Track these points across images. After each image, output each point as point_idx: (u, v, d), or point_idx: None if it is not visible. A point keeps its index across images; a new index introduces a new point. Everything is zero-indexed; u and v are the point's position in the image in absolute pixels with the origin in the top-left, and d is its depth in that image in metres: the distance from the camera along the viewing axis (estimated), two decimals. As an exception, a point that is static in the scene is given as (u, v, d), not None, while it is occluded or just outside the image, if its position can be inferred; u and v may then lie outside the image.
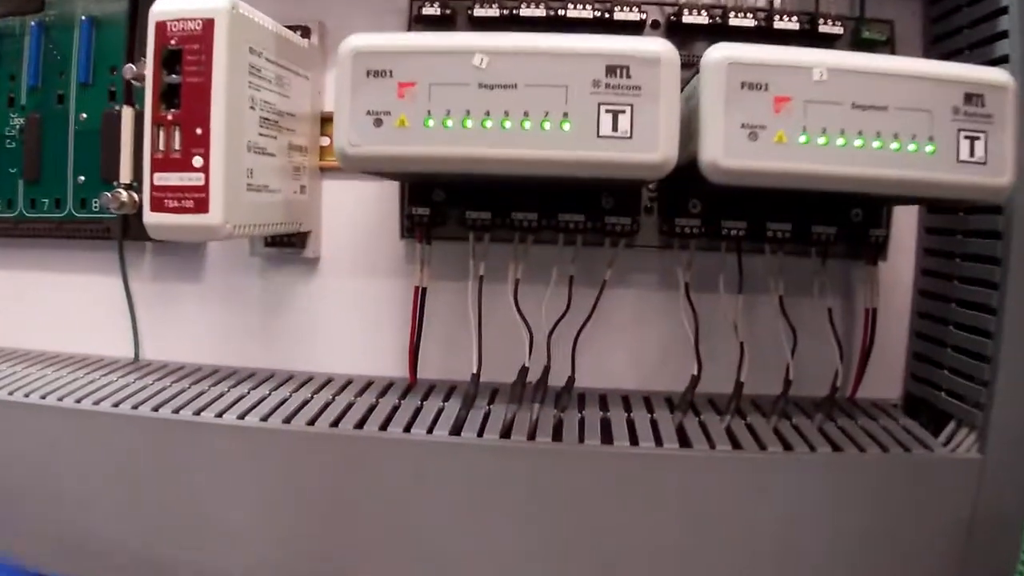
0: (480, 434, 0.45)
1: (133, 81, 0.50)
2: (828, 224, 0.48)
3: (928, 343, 0.51)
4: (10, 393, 0.49)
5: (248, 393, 0.50)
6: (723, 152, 0.37)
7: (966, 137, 0.38)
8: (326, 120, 0.52)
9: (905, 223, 0.52)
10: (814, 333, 0.49)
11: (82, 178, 0.55)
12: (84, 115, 0.55)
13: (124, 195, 0.51)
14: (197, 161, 0.41)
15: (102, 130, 0.54)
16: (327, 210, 0.54)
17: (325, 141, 0.53)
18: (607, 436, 0.45)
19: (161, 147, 0.42)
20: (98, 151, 0.54)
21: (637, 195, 0.49)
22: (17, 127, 0.56)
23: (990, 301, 0.45)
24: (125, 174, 0.52)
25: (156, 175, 0.42)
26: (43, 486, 0.48)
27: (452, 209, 0.50)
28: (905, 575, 0.45)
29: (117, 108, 0.53)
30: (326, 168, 0.53)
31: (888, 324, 0.51)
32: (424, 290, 0.50)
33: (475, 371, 0.48)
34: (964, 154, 0.38)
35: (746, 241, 0.49)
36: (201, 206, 0.41)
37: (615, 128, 0.37)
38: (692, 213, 0.49)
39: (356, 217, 0.53)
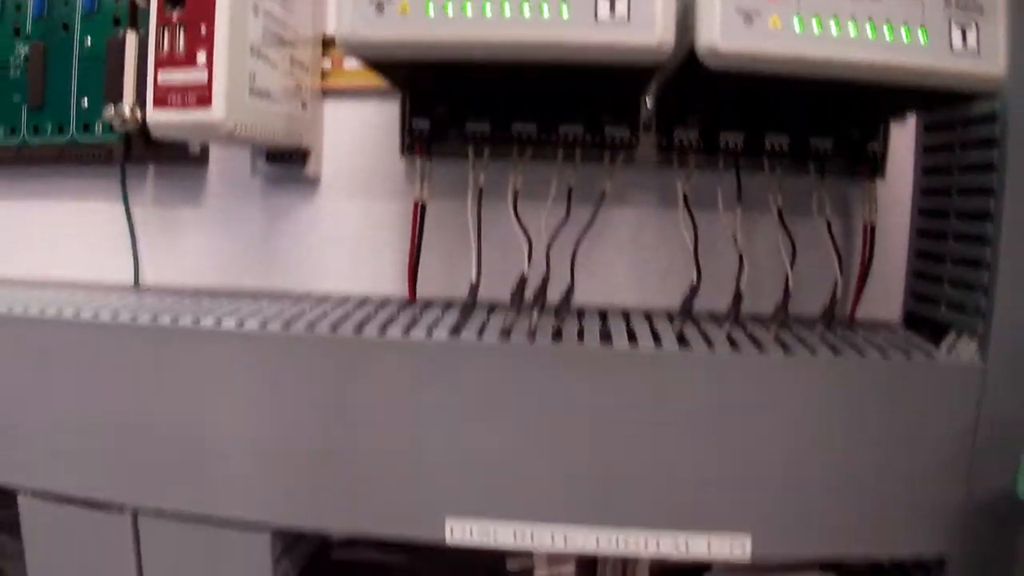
0: (479, 337, 0.46)
1: (137, 1, 0.51)
2: (825, 136, 0.49)
3: (928, 260, 0.52)
4: (8, 308, 0.50)
5: (247, 309, 0.51)
6: (720, 35, 0.38)
7: (958, 26, 0.40)
8: (328, 43, 0.54)
9: (903, 144, 0.53)
10: (813, 251, 0.50)
11: (86, 100, 0.56)
12: (89, 42, 0.56)
13: (127, 110, 0.52)
14: (201, 58, 0.43)
15: (107, 55, 0.55)
16: (328, 132, 0.55)
17: (327, 64, 0.54)
18: (607, 341, 0.46)
19: (165, 47, 0.43)
20: (102, 77, 0.55)
21: (636, 107, 0.50)
22: (22, 55, 0.57)
23: (987, 207, 0.46)
24: (129, 97, 0.54)
25: (160, 73, 0.43)
26: (42, 400, 0.49)
27: (452, 127, 0.51)
28: (911, 481, 0.45)
29: (122, 32, 0.54)
30: (328, 90, 0.54)
31: (887, 244, 0.52)
32: (424, 207, 0.51)
33: (474, 281, 0.49)
34: (957, 43, 0.40)
35: (744, 156, 0.50)
36: (204, 101, 0.43)
37: (612, 11, 0.38)
38: (690, 125, 0.50)
39: (356, 138, 0.54)
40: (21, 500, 0.51)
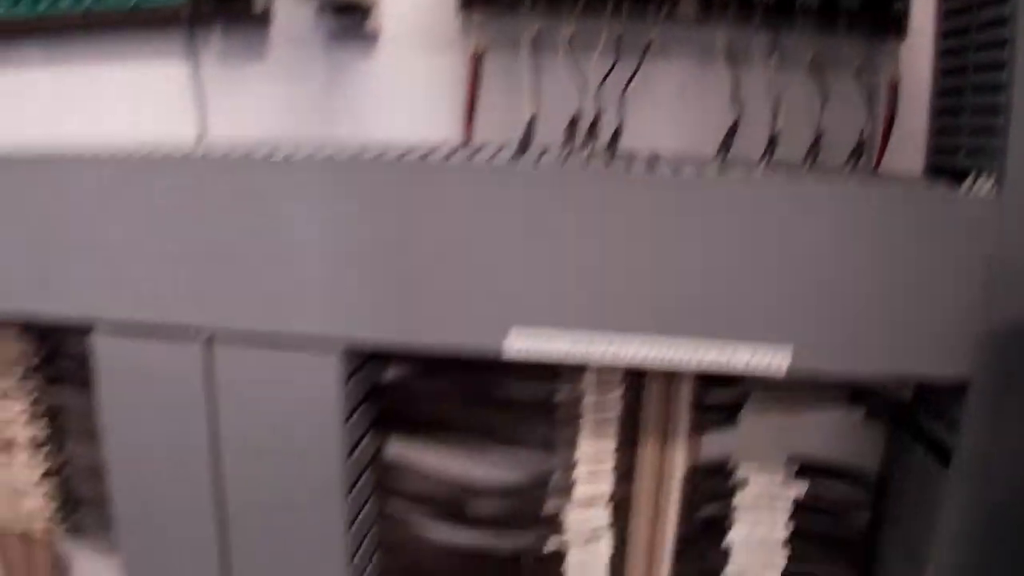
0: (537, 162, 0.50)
1: None
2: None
3: (948, 116, 0.56)
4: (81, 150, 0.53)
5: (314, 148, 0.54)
6: None
7: None
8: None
9: (923, 10, 0.58)
10: (840, 106, 0.54)
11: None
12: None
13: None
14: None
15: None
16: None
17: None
18: (654, 167, 0.50)
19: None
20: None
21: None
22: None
23: (1001, 58, 0.50)
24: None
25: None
26: (120, 232, 0.52)
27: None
28: (934, 306, 0.49)
29: None
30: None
31: (910, 102, 0.57)
32: (480, 57, 0.55)
33: (530, 116, 0.53)
34: None
35: (776, 14, 0.54)
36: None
37: None
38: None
39: (415, -5, 0.59)
40: (96, 338, 0.55)
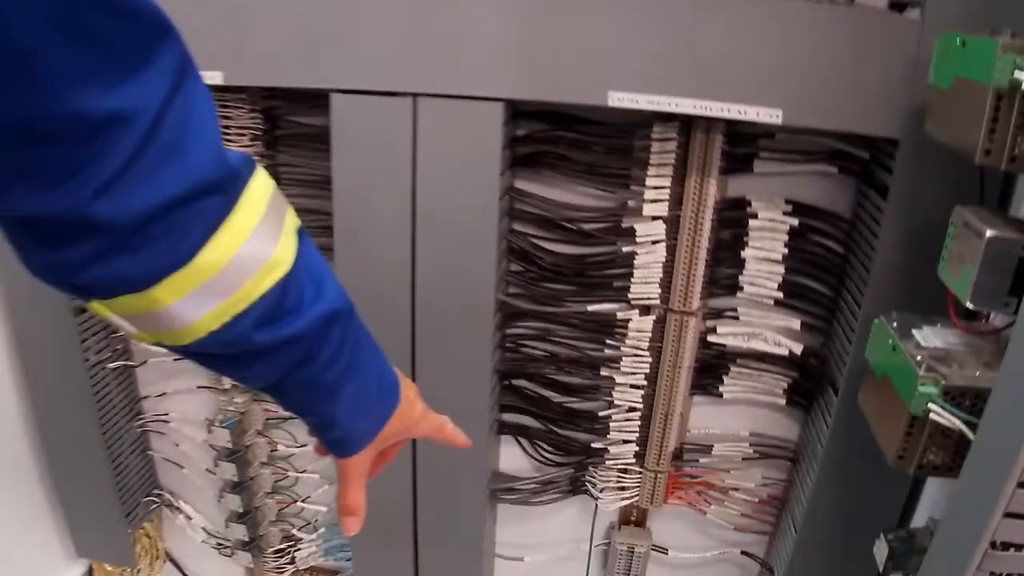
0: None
1: None
2: None
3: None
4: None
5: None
6: None
7: None
8: None
9: None
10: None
11: None
12: None
13: None
14: None
15: None
16: None
17: None
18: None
19: None
20: None
21: None
22: None
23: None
24: None
25: None
26: (347, 14, 0.84)
27: None
28: (875, 90, 0.78)
29: None
30: None
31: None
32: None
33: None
34: None
35: None
36: None
37: None
38: None
39: None
40: (333, 97, 0.87)
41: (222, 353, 0.44)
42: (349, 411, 0.51)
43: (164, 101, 0.35)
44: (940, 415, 0.61)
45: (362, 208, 0.92)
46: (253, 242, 0.41)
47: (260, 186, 0.42)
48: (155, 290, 0.39)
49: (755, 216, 0.91)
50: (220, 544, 1.27)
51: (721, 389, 0.99)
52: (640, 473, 1.04)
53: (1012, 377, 0.55)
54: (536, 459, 1.08)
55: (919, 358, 0.64)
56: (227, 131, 0.95)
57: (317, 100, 0.89)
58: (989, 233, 0.58)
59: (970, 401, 0.61)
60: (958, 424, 0.61)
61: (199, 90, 0.38)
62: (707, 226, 0.90)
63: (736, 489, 1.05)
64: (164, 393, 1.20)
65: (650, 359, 0.97)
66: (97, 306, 0.40)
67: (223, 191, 0.40)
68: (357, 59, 0.85)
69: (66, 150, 0.33)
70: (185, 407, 1.20)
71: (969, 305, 0.60)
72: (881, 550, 0.76)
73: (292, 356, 0.46)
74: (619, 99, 0.80)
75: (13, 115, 0.32)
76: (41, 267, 0.38)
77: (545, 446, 1.07)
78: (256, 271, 0.41)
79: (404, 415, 0.55)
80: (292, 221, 0.45)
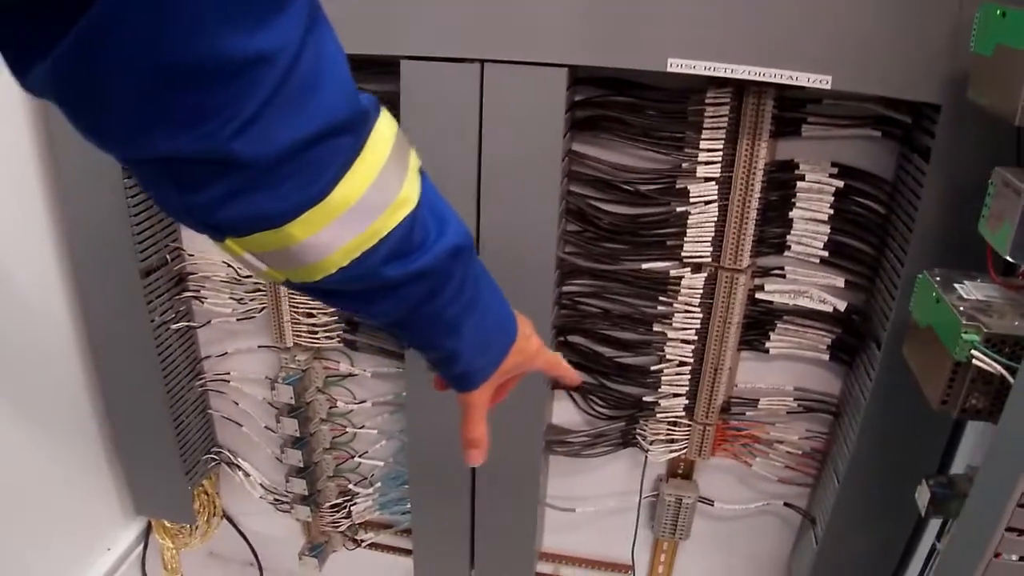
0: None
1: None
2: None
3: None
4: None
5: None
6: None
7: None
8: None
9: None
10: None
11: None
12: None
13: None
14: None
15: None
16: None
17: None
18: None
19: None
20: None
21: None
22: None
23: None
24: None
25: None
26: None
27: None
28: (918, 55, 0.85)
29: None
30: None
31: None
32: None
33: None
34: None
35: None
36: None
37: None
38: None
39: None
40: (404, 64, 0.95)
41: (351, 290, 0.48)
42: (470, 346, 0.54)
43: (300, 40, 0.37)
44: (982, 360, 0.68)
45: (430, 171, 0.96)
46: (382, 179, 0.44)
47: (387, 125, 0.45)
48: (291, 226, 0.41)
49: (802, 178, 0.98)
50: (277, 500, 1.35)
51: (767, 345, 1.07)
52: (689, 426, 1.12)
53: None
54: (589, 413, 1.16)
55: (962, 308, 0.71)
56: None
57: (386, 67, 0.96)
58: (1028, 191, 0.65)
59: (1009, 348, 0.68)
60: (999, 369, 0.68)
61: (328, 32, 0.40)
62: (757, 187, 0.97)
63: (780, 442, 1.12)
64: (225, 353, 1.28)
65: (700, 315, 1.04)
66: (231, 244, 0.42)
67: (355, 129, 0.42)
68: (427, 27, 0.92)
69: (211, 91, 0.35)
70: (245, 366, 1.28)
71: (1008, 258, 0.67)
72: (923, 495, 0.83)
73: (418, 291, 0.49)
74: (677, 65, 0.87)
75: (164, 60, 0.33)
76: (176, 208, 0.40)
77: (597, 400, 1.14)
78: (386, 207, 0.45)
79: (522, 349, 0.58)
80: (415, 161, 0.49)
